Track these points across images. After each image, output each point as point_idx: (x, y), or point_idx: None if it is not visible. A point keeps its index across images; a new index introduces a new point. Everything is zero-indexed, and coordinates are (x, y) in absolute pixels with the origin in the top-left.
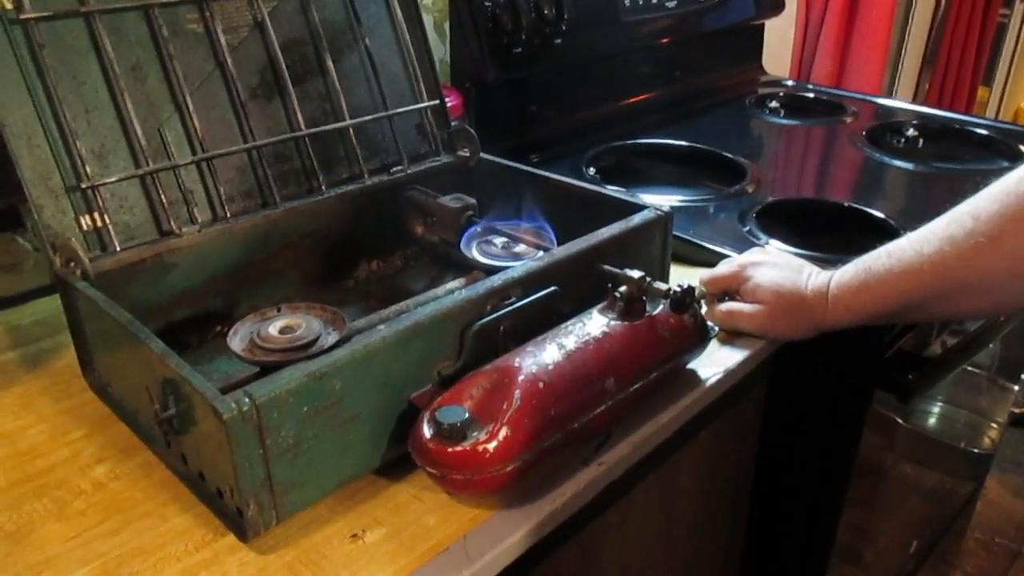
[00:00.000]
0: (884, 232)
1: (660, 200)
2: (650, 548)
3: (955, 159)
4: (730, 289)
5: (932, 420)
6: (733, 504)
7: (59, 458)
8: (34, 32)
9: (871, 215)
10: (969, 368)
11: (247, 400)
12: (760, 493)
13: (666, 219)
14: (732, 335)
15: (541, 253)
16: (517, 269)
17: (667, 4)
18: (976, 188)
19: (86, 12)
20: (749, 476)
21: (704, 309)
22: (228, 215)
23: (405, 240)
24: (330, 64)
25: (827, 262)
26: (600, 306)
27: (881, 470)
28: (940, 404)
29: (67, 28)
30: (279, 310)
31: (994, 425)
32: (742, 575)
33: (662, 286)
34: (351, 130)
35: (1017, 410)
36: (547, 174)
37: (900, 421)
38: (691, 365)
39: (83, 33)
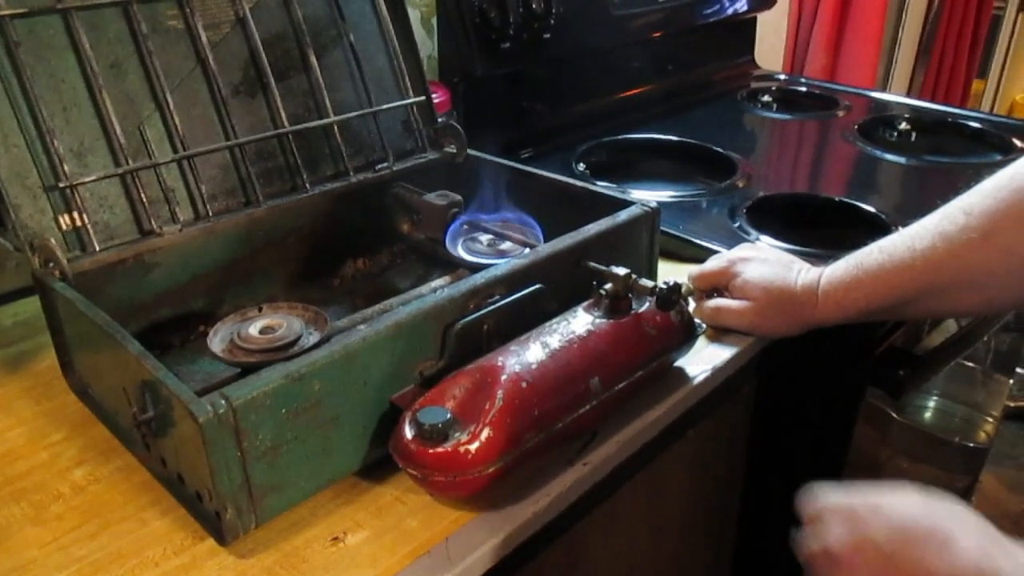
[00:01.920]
0: (876, 227)
1: (650, 195)
2: (638, 549)
3: (947, 152)
4: (719, 285)
5: (927, 414)
6: (723, 503)
7: (38, 461)
8: (10, 29)
9: (863, 210)
10: (963, 362)
11: (223, 403)
12: (751, 491)
13: (653, 215)
14: (720, 332)
15: (527, 250)
16: (501, 267)
17: None
18: (968, 181)
19: (63, 9)
20: (739, 475)
21: (692, 306)
22: (210, 214)
23: (391, 238)
24: (313, 60)
25: (818, 258)
26: (585, 304)
27: (876, 465)
28: (935, 398)
29: (44, 25)
30: (260, 310)
31: (989, 419)
32: (734, 573)
33: (648, 283)
34: (335, 127)
35: (1012, 404)
36: (534, 170)
37: (894, 415)
38: (678, 363)
39: (60, 30)
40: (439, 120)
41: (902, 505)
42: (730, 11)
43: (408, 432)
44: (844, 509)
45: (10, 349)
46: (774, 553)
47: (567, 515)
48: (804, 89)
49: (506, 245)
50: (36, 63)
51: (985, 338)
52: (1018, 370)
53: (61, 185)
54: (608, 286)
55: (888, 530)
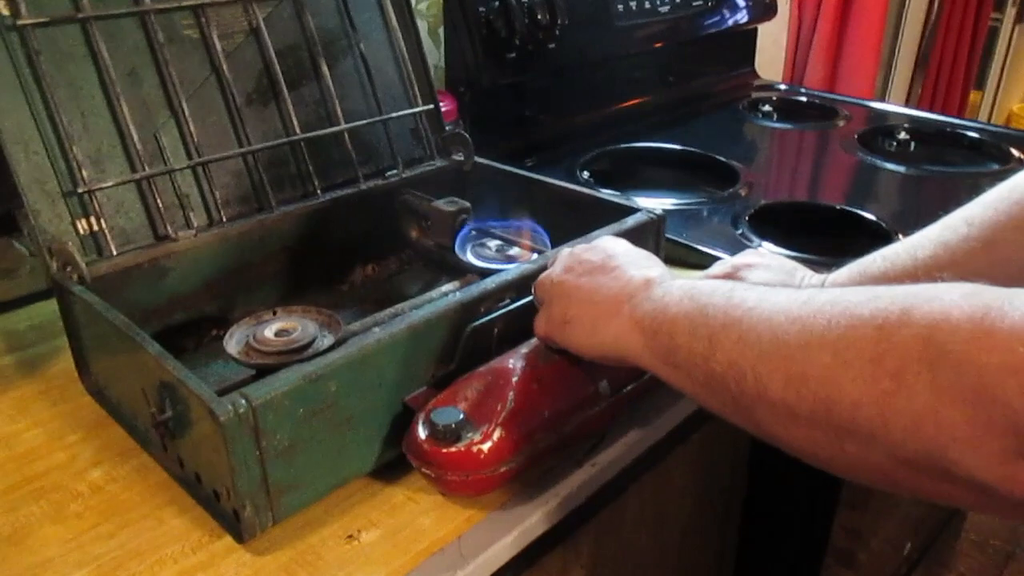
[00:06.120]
0: (877, 235)
1: (654, 203)
2: (643, 549)
3: (946, 162)
4: None
5: None
6: (726, 506)
7: (56, 461)
8: (31, 38)
9: (863, 218)
10: None
11: (243, 402)
12: (753, 495)
13: (659, 222)
14: None
15: (535, 256)
16: (511, 272)
17: (660, 9)
18: (967, 190)
19: (82, 18)
20: (742, 478)
21: None
22: (224, 219)
23: (400, 244)
24: (325, 69)
25: (820, 265)
26: None
27: None
28: None
29: (63, 34)
30: (275, 313)
31: None
32: None
33: None
34: (346, 134)
35: None
36: (541, 178)
37: None
38: None
39: (79, 39)
40: (447, 128)
41: (630, 245)
42: (731, 22)
43: (422, 432)
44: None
45: (26, 352)
46: (777, 555)
47: (575, 515)
48: (804, 99)
49: (514, 251)
50: (56, 71)
51: None
52: None
53: (79, 190)
54: None
55: (613, 246)
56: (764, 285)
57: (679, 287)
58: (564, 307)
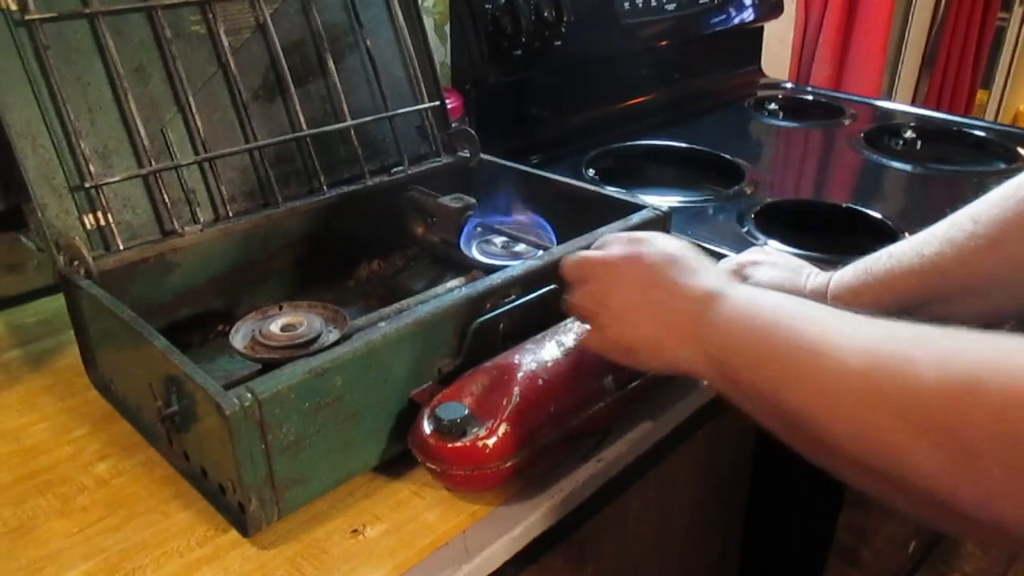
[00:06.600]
0: (882, 233)
1: (659, 201)
2: (647, 545)
3: (952, 161)
4: None
5: None
6: (730, 503)
7: (62, 455)
8: (39, 33)
9: (869, 216)
10: None
11: (249, 396)
12: (757, 492)
13: (664, 219)
14: None
15: (540, 252)
16: (517, 268)
17: (666, 7)
18: (973, 189)
19: (90, 13)
20: (746, 475)
21: None
22: (230, 215)
23: (405, 240)
24: (331, 65)
25: (825, 262)
26: None
27: None
28: None
29: (71, 29)
30: (281, 308)
31: None
32: (739, 574)
33: None
34: (352, 131)
35: None
36: (547, 174)
37: None
38: None
39: (87, 34)
40: (452, 125)
41: (671, 241)
42: (737, 20)
43: (427, 427)
44: (627, 236)
45: (32, 347)
46: (781, 552)
47: (580, 511)
48: (810, 98)
49: (519, 247)
50: (63, 66)
51: None
52: None
53: (87, 185)
54: None
55: (657, 252)
56: (824, 311)
57: (739, 309)
58: (623, 331)
